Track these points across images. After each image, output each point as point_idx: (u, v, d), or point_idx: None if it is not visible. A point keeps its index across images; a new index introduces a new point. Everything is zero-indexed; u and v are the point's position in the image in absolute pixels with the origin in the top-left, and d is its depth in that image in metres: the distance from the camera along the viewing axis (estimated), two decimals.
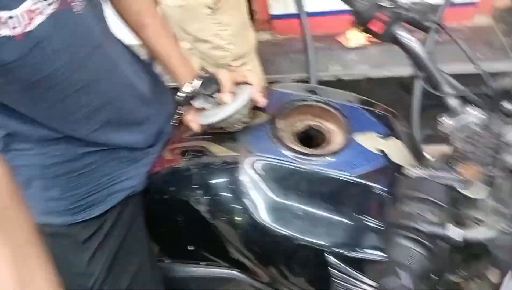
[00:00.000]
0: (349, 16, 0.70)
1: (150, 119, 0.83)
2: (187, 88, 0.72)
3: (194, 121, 0.73)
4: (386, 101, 2.05)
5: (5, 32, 0.54)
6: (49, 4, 0.58)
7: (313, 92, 0.80)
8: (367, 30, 0.70)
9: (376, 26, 0.68)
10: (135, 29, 0.83)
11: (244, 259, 0.72)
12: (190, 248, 0.80)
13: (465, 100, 0.67)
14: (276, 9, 2.14)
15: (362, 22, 0.69)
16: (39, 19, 0.57)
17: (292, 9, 2.14)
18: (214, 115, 0.69)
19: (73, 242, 0.78)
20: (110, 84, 0.73)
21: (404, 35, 0.66)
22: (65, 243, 0.78)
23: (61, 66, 0.63)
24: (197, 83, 0.71)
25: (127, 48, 0.84)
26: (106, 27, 0.74)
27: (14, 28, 0.54)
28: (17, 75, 0.60)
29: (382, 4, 0.67)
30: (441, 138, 0.71)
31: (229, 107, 0.68)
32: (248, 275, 0.76)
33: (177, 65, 0.81)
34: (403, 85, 1.94)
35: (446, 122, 0.64)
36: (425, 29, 0.68)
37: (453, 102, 0.66)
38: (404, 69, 1.92)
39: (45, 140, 0.72)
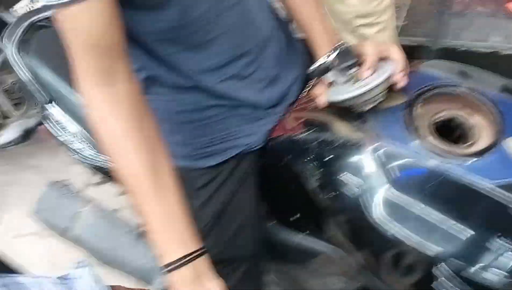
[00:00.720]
0: None
1: (278, 79, 0.81)
2: (322, 59, 0.66)
3: (322, 95, 0.68)
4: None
5: None
6: None
7: (466, 75, 0.69)
8: None
9: None
10: None
11: (345, 243, 0.69)
12: (296, 216, 0.79)
13: None
14: None
15: None
16: None
17: None
18: (344, 92, 0.63)
19: (188, 186, 0.82)
20: (246, 37, 0.73)
21: None
22: (182, 186, 0.84)
23: (205, 11, 0.65)
24: (333, 54, 0.65)
25: (268, 3, 0.82)
26: None
27: None
28: (166, 16, 0.63)
29: None
30: None
31: (363, 85, 0.62)
32: (343, 255, 0.73)
33: (317, 33, 0.77)
34: None
35: None
36: None
37: None
38: None
39: (178, 87, 0.76)
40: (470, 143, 0.62)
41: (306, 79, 0.88)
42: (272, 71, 0.80)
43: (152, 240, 0.62)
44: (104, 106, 0.60)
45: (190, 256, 0.61)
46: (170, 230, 0.62)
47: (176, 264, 0.61)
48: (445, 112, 0.65)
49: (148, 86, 0.76)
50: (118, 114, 0.61)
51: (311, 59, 0.98)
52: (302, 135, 0.72)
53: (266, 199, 0.87)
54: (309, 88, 0.73)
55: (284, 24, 0.88)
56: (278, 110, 0.85)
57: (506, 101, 0.63)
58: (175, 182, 0.64)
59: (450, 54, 1.83)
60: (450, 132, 0.66)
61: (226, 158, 0.82)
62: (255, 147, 0.84)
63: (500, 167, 0.57)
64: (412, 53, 1.82)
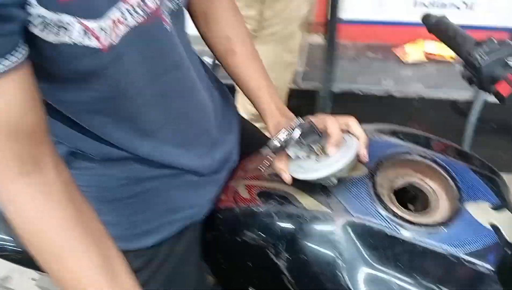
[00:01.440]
0: (411, 29, 0.63)
1: (218, 143, 0.77)
2: (283, 135, 0.63)
3: (286, 171, 0.65)
4: (437, 124, 1.97)
5: (94, 43, 0.49)
6: (136, 15, 0.53)
7: (416, 140, 0.72)
8: (489, 90, 0.62)
9: (504, 89, 0.61)
10: (222, 56, 0.77)
11: None
12: None
13: None
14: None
15: (486, 81, 0.61)
16: (123, 31, 0.52)
17: (349, 15, 2.05)
18: (313, 171, 0.61)
19: None
20: (183, 101, 0.68)
21: None
22: None
23: (137, 80, 0.58)
24: (297, 132, 0.62)
25: (203, 64, 0.78)
26: (188, 44, 0.69)
27: (102, 40, 0.50)
28: (93, 86, 0.55)
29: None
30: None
31: (332, 164, 0.60)
32: None
33: (265, 100, 0.75)
34: (457, 109, 1.85)
35: None
36: None
37: None
38: (461, 93, 1.84)
39: (108, 160, 0.67)
40: (433, 210, 0.64)
41: (243, 143, 0.85)
42: (211, 135, 0.76)
43: None
44: (33, 201, 0.50)
45: None
46: None
47: None
48: (403, 178, 0.67)
49: (71, 161, 0.66)
50: (51, 208, 0.51)
51: (245, 121, 0.96)
52: (261, 207, 0.68)
53: (214, 270, 0.81)
54: (269, 163, 0.69)
55: (221, 86, 0.85)
56: (221, 177, 0.81)
57: (457, 166, 0.67)
58: (128, 270, 0.56)
59: (348, 98, 1.97)
60: (409, 197, 0.68)
61: (166, 237, 0.75)
62: (200, 218, 0.78)
63: (469, 234, 0.59)
64: (313, 96, 1.92)
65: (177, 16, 0.63)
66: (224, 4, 0.77)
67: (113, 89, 0.57)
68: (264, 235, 0.67)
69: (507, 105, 0.61)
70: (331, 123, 0.63)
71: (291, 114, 0.75)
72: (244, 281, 0.76)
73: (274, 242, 0.65)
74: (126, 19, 0.52)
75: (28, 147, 0.49)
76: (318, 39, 2.13)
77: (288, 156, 0.66)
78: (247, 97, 0.78)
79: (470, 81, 0.66)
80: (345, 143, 0.63)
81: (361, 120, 0.67)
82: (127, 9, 0.52)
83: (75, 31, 0.48)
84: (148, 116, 0.64)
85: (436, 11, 1.81)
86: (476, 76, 0.63)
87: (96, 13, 0.49)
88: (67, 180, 0.53)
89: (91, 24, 0.48)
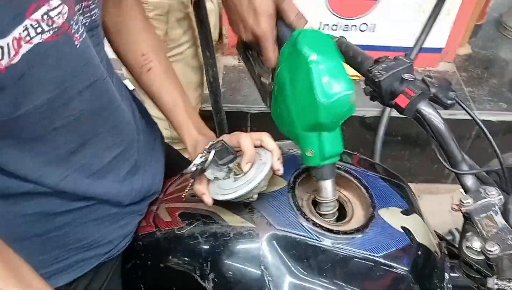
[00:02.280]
0: None
1: (139, 168, 0.73)
2: (199, 160, 0.62)
3: (207, 194, 0.64)
4: (350, 140, 2.07)
5: None
6: (41, 32, 0.48)
7: None
8: (389, 104, 0.67)
9: (402, 101, 0.66)
10: (137, 72, 0.74)
11: None
12: None
13: (480, 179, 0.67)
14: None
15: (385, 95, 0.66)
16: (25, 48, 0.47)
17: None
18: (231, 191, 0.61)
19: None
20: (98, 121, 0.63)
21: (429, 111, 0.64)
22: None
23: (43, 101, 0.53)
24: (211, 154, 0.62)
25: (122, 84, 0.75)
26: (108, 61, 0.65)
27: (0, 60, 0.45)
28: None
29: (408, 78, 0.65)
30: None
31: (250, 182, 0.61)
32: None
33: (182, 118, 0.73)
34: (366, 124, 1.97)
35: (466, 201, 0.63)
36: (446, 106, 0.67)
37: (470, 180, 0.65)
38: (368, 110, 1.97)
39: (12, 195, 0.60)
40: (348, 218, 0.67)
41: (165, 169, 0.83)
42: (131, 158, 0.72)
43: None
44: None
45: None
46: None
47: None
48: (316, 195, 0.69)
49: None
50: None
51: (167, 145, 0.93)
52: (184, 229, 0.67)
53: None
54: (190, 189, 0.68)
55: (144, 109, 0.82)
56: (142, 207, 0.77)
57: (368, 176, 0.71)
58: None
59: (266, 118, 2.01)
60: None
61: (81, 274, 0.70)
62: (118, 252, 0.74)
63: (384, 238, 0.63)
64: (234, 118, 1.94)
65: (92, 31, 0.59)
66: (136, 16, 0.75)
67: (14, 111, 0.51)
68: (188, 258, 0.65)
69: (406, 115, 0.66)
70: (243, 141, 0.64)
71: (209, 132, 0.74)
72: None
73: (199, 264, 0.64)
74: (29, 36, 0.47)
75: None
76: (233, 61, 2.17)
77: (208, 178, 0.65)
78: (164, 114, 0.76)
79: (372, 97, 0.70)
80: (260, 158, 0.64)
81: (276, 138, 0.68)
82: (31, 25, 0.47)
83: None
84: (57, 141, 0.58)
85: (341, 33, 1.94)
86: (377, 91, 0.67)
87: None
88: None
89: None
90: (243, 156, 0.63)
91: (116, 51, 0.76)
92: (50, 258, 0.67)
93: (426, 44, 1.89)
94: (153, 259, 0.71)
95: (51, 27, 0.49)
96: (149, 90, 0.75)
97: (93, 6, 0.59)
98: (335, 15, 1.88)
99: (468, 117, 0.66)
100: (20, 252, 0.64)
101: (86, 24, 0.58)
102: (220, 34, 2.11)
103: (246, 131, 1.96)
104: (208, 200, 0.64)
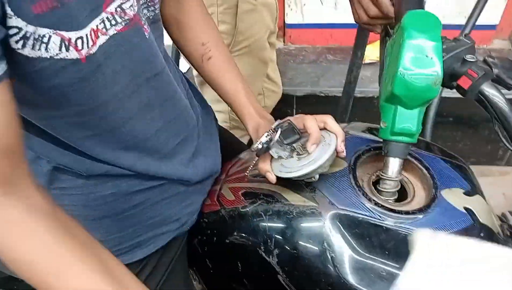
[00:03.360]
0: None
1: (200, 151, 0.78)
2: (265, 138, 0.64)
3: (271, 172, 0.66)
4: None
5: (73, 54, 0.48)
6: (115, 24, 0.52)
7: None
8: (451, 86, 0.67)
9: (464, 82, 0.65)
10: (198, 61, 0.78)
11: None
12: None
13: None
14: (291, 19, 2.09)
15: (449, 78, 0.66)
16: (102, 39, 0.51)
17: (307, 19, 2.11)
18: (295, 169, 0.63)
19: None
20: (164, 110, 0.67)
21: (493, 92, 0.63)
22: None
23: (118, 90, 0.57)
24: (277, 133, 0.64)
25: (181, 73, 0.79)
26: (165, 52, 0.69)
27: (80, 50, 0.49)
28: (73, 99, 0.54)
29: (470, 59, 0.64)
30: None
31: (314, 161, 0.63)
32: None
33: (243, 103, 0.76)
34: None
35: None
36: (510, 87, 0.66)
37: None
38: None
39: (92, 176, 0.66)
40: (410, 199, 0.68)
41: (222, 148, 0.87)
42: (193, 142, 0.76)
43: None
44: (18, 226, 0.47)
45: None
46: None
47: None
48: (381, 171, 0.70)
49: (54, 179, 0.65)
50: (39, 232, 0.47)
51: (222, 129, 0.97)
52: (248, 208, 0.70)
53: (203, 277, 0.81)
54: (255, 167, 0.70)
55: (198, 93, 0.86)
56: (206, 186, 0.81)
57: (429, 157, 0.71)
58: (135, 278, 0.54)
59: (311, 100, 2.02)
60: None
61: (153, 250, 0.75)
62: (187, 228, 0.79)
63: (446, 218, 0.63)
64: (280, 101, 1.95)
65: (154, 24, 0.63)
66: (195, 8, 0.78)
67: (93, 101, 0.56)
68: (253, 235, 0.68)
69: (469, 97, 0.66)
70: (309, 122, 0.66)
71: (269, 116, 0.77)
72: (234, 283, 0.77)
73: (263, 240, 0.67)
74: (105, 28, 0.51)
75: (8, 169, 0.46)
76: (278, 44, 2.17)
77: (271, 157, 0.68)
78: (225, 100, 0.79)
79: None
80: (324, 140, 0.66)
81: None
82: (107, 18, 0.51)
83: (51, 43, 0.46)
84: (131, 128, 0.63)
85: None
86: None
87: (76, 25, 0.48)
88: (49, 200, 0.50)
89: (69, 35, 0.47)
90: (309, 137, 0.65)
91: (176, 42, 0.79)
92: (127, 235, 0.73)
93: (479, 21, 1.82)
94: (219, 235, 0.75)
95: (123, 19, 0.53)
96: (209, 78, 0.79)
97: (156, 0, 0.62)
98: None
99: None
100: (100, 229, 0.70)
101: (150, 18, 0.61)
102: None
103: (292, 114, 1.98)
104: (272, 177, 0.66)
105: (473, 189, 0.69)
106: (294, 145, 0.67)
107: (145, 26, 0.59)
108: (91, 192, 0.67)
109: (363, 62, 2.05)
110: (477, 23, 1.86)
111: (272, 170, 0.67)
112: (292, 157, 0.67)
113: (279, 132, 0.65)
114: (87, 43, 0.49)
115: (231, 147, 0.91)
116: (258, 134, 0.72)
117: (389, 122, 0.63)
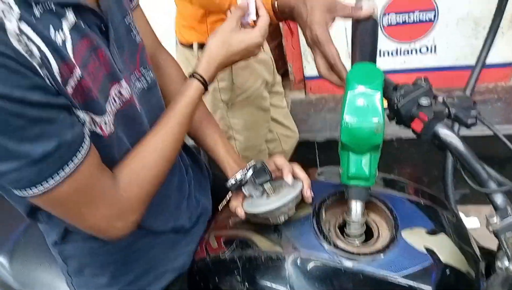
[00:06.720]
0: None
1: (191, 198, 0.86)
2: (239, 176, 0.74)
3: (240, 207, 0.75)
4: (417, 161, 2.01)
5: (98, 131, 0.60)
6: (115, 104, 0.64)
7: None
8: (408, 127, 0.70)
9: (417, 126, 0.68)
10: None
11: None
12: None
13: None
14: (309, 71, 2.19)
15: (404, 121, 0.69)
16: (111, 118, 0.63)
17: None
18: (263, 205, 0.71)
19: None
20: None
21: (445, 132, 0.66)
22: None
23: (123, 155, 0.67)
24: (250, 172, 0.74)
25: None
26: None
27: (104, 130, 0.61)
28: None
29: (423, 103, 0.67)
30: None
31: (279, 199, 0.70)
32: None
33: (223, 155, 0.85)
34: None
35: (493, 220, 0.63)
36: (467, 125, 0.68)
37: (499, 198, 0.65)
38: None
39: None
40: (374, 240, 0.71)
41: (212, 193, 0.94)
42: (184, 192, 0.84)
43: None
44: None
45: None
46: None
47: None
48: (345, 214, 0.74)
49: (64, 235, 0.75)
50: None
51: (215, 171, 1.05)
52: (225, 254, 0.76)
53: None
54: (224, 203, 0.79)
55: (188, 148, 0.95)
56: (199, 228, 0.88)
57: (394, 198, 0.75)
58: None
59: (331, 145, 2.06)
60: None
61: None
62: (185, 269, 0.85)
63: (403, 258, 0.66)
64: (303, 147, 1.99)
65: (152, 89, 0.75)
66: (173, 67, 0.90)
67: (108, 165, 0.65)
68: (230, 280, 0.74)
69: (424, 139, 0.68)
70: (279, 160, 0.75)
71: (246, 164, 0.84)
72: None
73: (238, 284, 0.72)
74: (112, 108, 0.63)
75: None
76: (299, 94, 2.27)
77: (244, 195, 0.76)
78: (206, 152, 0.88)
79: (397, 122, 0.73)
80: (290, 185, 0.72)
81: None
82: (111, 100, 0.63)
83: (87, 122, 0.58)
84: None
85: (402, 58, 1.94)
86: (396, 116, 0.71)
87: (100, 111, 0.59)
88: None
89: (97, 118, 0.59)
90: (282, 169, 0.74)
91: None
92: (131, 278, 0.80)
93: (496, 59, 1.83)
94: (205, 282, 0.80)
95: (121, 100, 0.65)
96: (189, 132, 0.87)
97: (144, 71, 0.73)
98: (392, 40, 1.90)
99: None
100: (103, 276, 0.79)
101: (145, 88, 0.73)
102: (286, 71, 2.23)
103: (314, 160, 2.02)
104: (240, 212, 0.74)
105: (438, 229, 0.71)
106: (264, 185, 0.74)
107: (136, 102, 0.70)
108: (96, 242, 0.75)
109: None
110: (495, 61, 1.86)
111: (242, 206, 0.75)
112: (262, 197, 0.75)
113: (250, 171, 0.73)
114: (108, 125, 0.62)
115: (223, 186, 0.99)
116: None
117: (345, 168, 0.68)
